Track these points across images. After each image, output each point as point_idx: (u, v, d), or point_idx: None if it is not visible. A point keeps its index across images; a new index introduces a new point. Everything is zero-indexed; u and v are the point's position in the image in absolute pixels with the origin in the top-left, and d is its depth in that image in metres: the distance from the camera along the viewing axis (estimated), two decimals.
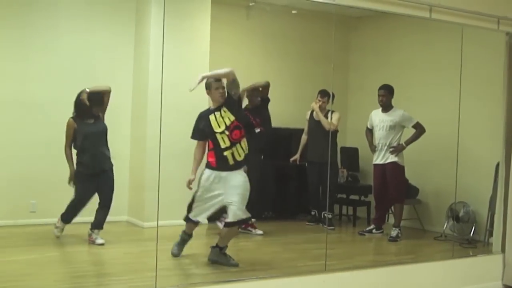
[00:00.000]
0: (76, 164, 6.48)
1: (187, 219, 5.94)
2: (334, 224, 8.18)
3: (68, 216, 6.54)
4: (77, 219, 6.58)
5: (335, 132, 7.85)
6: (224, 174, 5.74)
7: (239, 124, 5.79)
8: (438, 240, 7.64)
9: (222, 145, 5.72)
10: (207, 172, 5.79)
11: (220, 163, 5.73)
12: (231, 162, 5.72)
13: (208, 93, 5.90)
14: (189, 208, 5.90)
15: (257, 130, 7.37)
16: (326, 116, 7.96)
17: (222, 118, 5.77)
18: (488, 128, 7.45)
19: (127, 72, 7.75)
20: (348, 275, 5.79)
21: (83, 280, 5.45)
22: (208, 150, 5.87)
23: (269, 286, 5.40)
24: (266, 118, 7.57)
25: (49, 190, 7.08)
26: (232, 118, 5.75)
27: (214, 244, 5.86)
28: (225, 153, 5.71)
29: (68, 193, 6.79)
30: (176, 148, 6.72)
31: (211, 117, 5.81)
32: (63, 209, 6.67)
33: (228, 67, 5.83)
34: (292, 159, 8.30)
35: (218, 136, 5.74)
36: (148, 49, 7.53)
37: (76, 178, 6.45)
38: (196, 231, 7.25)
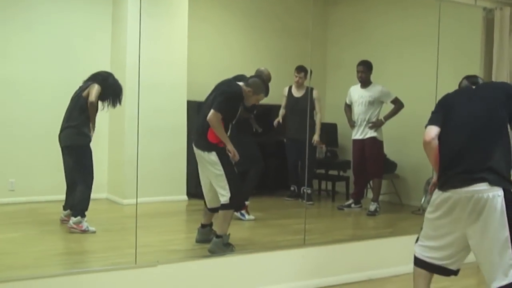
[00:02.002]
0: None
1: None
2: (313, 199, 8.23)
3: None
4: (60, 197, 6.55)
5: (313, 109, 7.89)
6: None
7: None
8: (415, 214, 7.69)
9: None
10: None
11: None
12: None
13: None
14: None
15: None
16: (306, 93, 7.96)
17: None
18: None
19: (104, 49, 7.70)
20: (327, 249, 5.85)
21: (63, 258, 5.48)
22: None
23: (249, 260, 5.44)
24: None
25: (28, 168, 7.06)
26: None
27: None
28: None
29: (47, 172, 6.80)
30: (154, 125, 6.72)
31: None
32: (42, 187, 6.66)
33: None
34: (275, 122, 8.26)
35: None
36: (126, 25, 7.48)
37: None
38: (177, 207, 7.30)
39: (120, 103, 6.30)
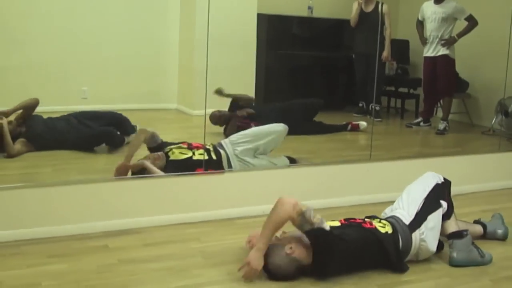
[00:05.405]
0: None
1: None
2: (382, 116, 8.18)
3: None
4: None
5: (383, 24, 7.76)
6: None
7: None
8: (485, 135, 7.61)
9: None
10: None
11: None
12: None
13: None
14: None
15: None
16: (376, 8, 7.84)
17: None
18: None
19: None
20: (392, 165, 5.85)
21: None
22: None
23: (314, 172, 5.49)
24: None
25: (100, 77, 7.17)
26: None
27: None
28: None
29: (119, 80, 6.90)
30: (224, 35, 6.71)
31: None
32: (113, 96, 6.77)
33: None
34: None
35: None
36: None
37: None
38: None
39: None
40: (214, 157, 5.35)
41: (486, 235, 4.71)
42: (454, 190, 5.77)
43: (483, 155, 6.46)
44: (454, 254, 4.21)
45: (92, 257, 4.11)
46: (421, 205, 4.25)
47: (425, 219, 4.18)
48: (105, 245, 4.32)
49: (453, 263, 4.21)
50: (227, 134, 6.47)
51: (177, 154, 5.26)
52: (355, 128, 7.36)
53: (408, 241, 4.10)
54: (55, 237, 4.39)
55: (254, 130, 5.85)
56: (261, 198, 4.97)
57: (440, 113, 7.97)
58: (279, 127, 5.78)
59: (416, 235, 4.13)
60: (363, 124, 7.38)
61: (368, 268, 4.04)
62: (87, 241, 4.37)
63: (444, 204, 4.31)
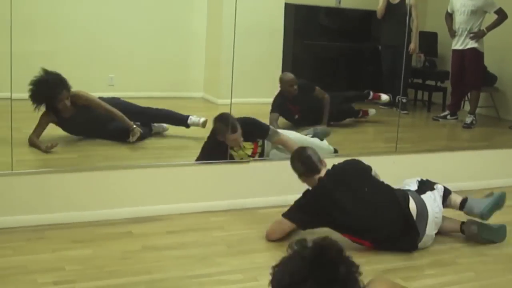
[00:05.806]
0: None
1: None
2: (408, 109, 8.12)
3: None
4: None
5: (410, 15, 7.71)
6: None
7: None
8: None
9: None
10: None
11: None
12: None
13: None
14: None
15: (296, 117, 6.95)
16: (403, 1, 7.78)
17: None
18: None
19: None
20: (419, 157, 5.82)
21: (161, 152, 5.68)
22: None
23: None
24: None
25: (127, 64, 7.20)
26: None
27: None
28: None
29: (145, 68, 6.93)
30: (251, 24, 6.71)
31: None
32: (140, 83, 6.80)
33: None
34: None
35: None
36: None
37: None
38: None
39: None
40: None
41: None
42: (480, 184, 5.76)
43: (510, 149, 6.40)
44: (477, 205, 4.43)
45: (116, 243, 4.13)
46: (417, 184, 4.52)
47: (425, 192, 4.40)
48: (129, 232, 4.34)
49: (484, 210, 4.38)
50: (274, 106, 6.59)
51: (234, 154, 5.24)
52: (364, 115, 7.34)
53: (421, 202, 4.25)
54: (79, 223, 4.42)
55: (300, 139, 5.74)
56: (285, 188, 4.94)
57: (467, 107, 7.91)
58: (325, 150, 5.66)
59: (426, 197, 4.32)
60: (372, 111, 7.37)
61: (380, 216, 4.17)
62: (111, 227, 4.40)
63: (438, 185, 4.51)
